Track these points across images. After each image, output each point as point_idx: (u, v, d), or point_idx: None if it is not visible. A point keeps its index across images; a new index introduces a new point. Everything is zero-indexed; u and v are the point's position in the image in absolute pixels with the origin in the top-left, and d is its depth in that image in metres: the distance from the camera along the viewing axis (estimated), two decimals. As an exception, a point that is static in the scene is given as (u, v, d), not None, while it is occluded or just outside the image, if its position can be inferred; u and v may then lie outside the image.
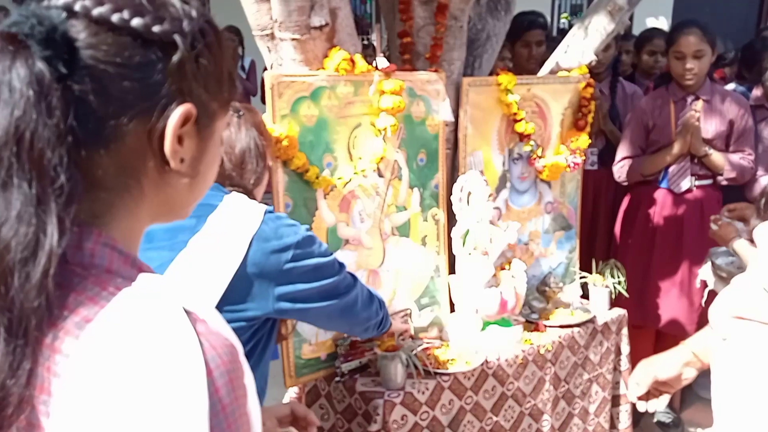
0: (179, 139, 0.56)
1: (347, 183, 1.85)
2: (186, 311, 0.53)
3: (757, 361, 1.14)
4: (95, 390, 0.48)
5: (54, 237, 0.49)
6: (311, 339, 1.85)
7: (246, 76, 5.52)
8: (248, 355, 1.21)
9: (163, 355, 0.49)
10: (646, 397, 1.41)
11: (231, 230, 1.18)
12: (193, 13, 0.56)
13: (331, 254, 1.31)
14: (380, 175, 1.94)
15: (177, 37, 0.54)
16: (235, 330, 1.19)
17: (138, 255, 0.61)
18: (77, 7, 0.52)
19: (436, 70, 2.02)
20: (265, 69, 1.81)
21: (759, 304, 1.13)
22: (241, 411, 0.54)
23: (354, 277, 1.36)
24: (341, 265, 1.32)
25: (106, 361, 0.49)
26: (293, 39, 1.71)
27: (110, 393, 0.48)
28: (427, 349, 1.94)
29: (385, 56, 1.97)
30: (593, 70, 2.56)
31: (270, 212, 1.23)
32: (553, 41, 2.75)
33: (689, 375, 1.38)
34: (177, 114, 0.55)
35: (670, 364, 1.38)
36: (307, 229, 1.27)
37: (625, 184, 2.81)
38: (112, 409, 0.48)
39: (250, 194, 1.30)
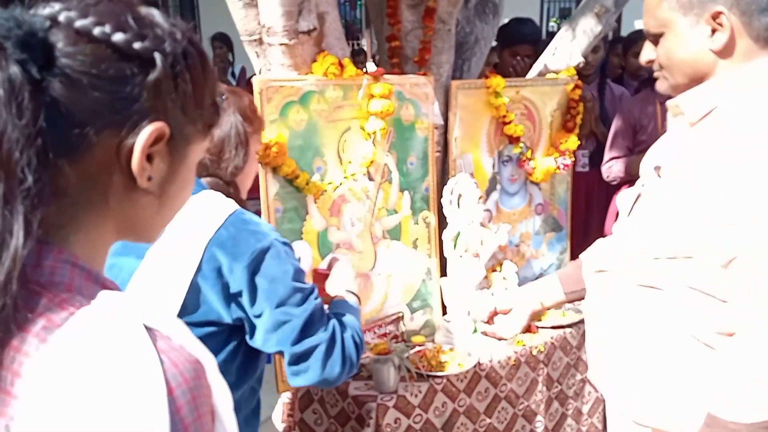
0: (149, 157, 0.56)
1: (337, 188, 1.85)
2: (147, 328, 0.51)
3: (610, 309, 1.26)
4: (52, 414, 0.47)
5: (20, 238, 0.48)
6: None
7: (236, 83, 5.52)
8: (231, 358, 1.19)
9: (120, 376, 0.48)
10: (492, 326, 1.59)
11: (189, 235, 1.12)
12: (178, 35, 0.57)
13: (300, 281, 1.17)
14: (370, 179, 1.94)
15: (157, 56, 0.55)
16: (208, 335, 1.16)
17: (104, 269, 0.60)
18: (61, 18, 0.52)
19: (424, 74, 2.03)
20: (254, 75, 1.81)
21: (615, 257, 1.24)
22: (206, 429, 0.53)
23: (322, 314, 1.19)
24: (309, 295, 1.17)
25: (62, 383, 0.48)
26: (281, 44, 1.72)
27: (66, 417, 0.47)
28: (419, 352, 1.94)
29: (374, 61, 1.98)
30: (582, 73, 2.58)
31: (237, 215, 1.16)
32: (542, 45, 2.77)
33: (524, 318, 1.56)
34: (147, 131, 0.55)
35: (511, 302, 1.57)
36: (283, 242, 1.17)
37: (614, 183, 2.83)
38: None
39: (230, 185, 1.26)
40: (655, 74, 1.22)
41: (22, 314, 0.50)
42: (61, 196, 0.53)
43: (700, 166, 1.10)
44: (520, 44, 2.80)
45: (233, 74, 5.55)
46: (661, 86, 1.22)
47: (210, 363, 0.56)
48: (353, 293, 1.39)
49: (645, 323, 1.18)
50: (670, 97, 1.22)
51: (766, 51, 1.11)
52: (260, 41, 1.76)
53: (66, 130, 0.52)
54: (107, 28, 0.52)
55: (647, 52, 1.22)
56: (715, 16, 1.09)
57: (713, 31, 1.10)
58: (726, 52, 1.11)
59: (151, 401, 0.48)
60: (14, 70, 0.48)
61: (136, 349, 0.50)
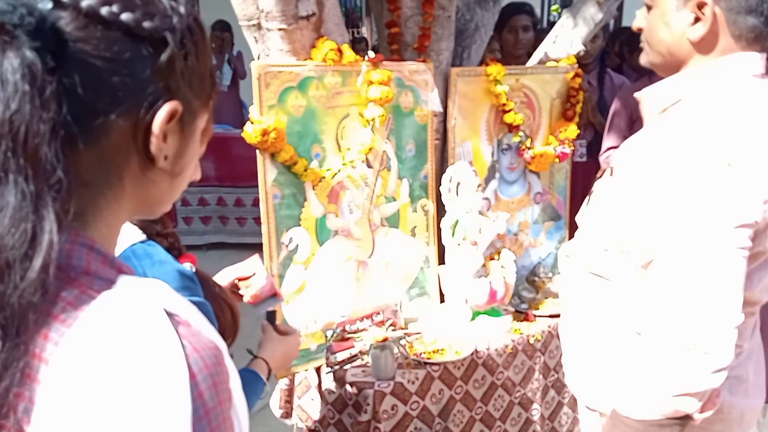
0: (164, 136, 0.56)
1: (336, 174, 1.84)
2: (168, 313, 0.52)
3: (570, 293, 1.29)
4: (76, 397, 0.47)
5: (53, 232, 0.48)
6: (301, 330, 1.84)
7: (232, 68, 5.56)
8: None
9: (144, 360, 0.48)
10: None
11: None
12: (182, 10, 0.56)
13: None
14: (369, 166, 1.93)
15: (167, 34, 0.54)
16: None
17: (114, 253, 0.60)
18: None
19: (424, 60, 2.02)
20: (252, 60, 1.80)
21: (577, 244, 1.26)
22: (225, 415, 0.53)
23: None
24: None
25: (86, 367, 0.48)
26: (280, 29, 1.70)
27: (91, 400, 0.47)
28: (417, 339, 1.94)
29: (373, 48, 1.97)
30: (581, 62, 2.56)
31: (139, 244, 1.10)
32: (543, 33, 2.76)
33: None
34: (164, 111, 0.55)
35: None
36: (183, 273, 1.10)
37: None
38: (92, 417, 0.47)
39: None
40: (641, 45, 1.18)
41: (49, 298, 0.49)
42: (80, 183, 0.53)
43: (640, 164, 1.08)
44: (515, 15, 2.79)
45: (229, 62, 5.57)
46: (642, 59, 1.18)
47: (225, 348, 0.56)
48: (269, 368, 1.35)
49: (593, 310, 1.21)
50: None
51: (745, 51, 1.06)
52: (259, 26, 1.75)
53: (85, 116, 0.51)
54: (114, 8, 0.51)
55: (639, 19, 1.17)
56: (701, 5, 1.04)
57: (696, 19, 1.05)
58: (703, 45, 1.06)
59: (173, 387, 0.48)
60: (32, 59, 0.47)
61: (159, 335, 0.49)
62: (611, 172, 1.20)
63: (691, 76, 1.08)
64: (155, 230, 1.17)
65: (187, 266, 1.18)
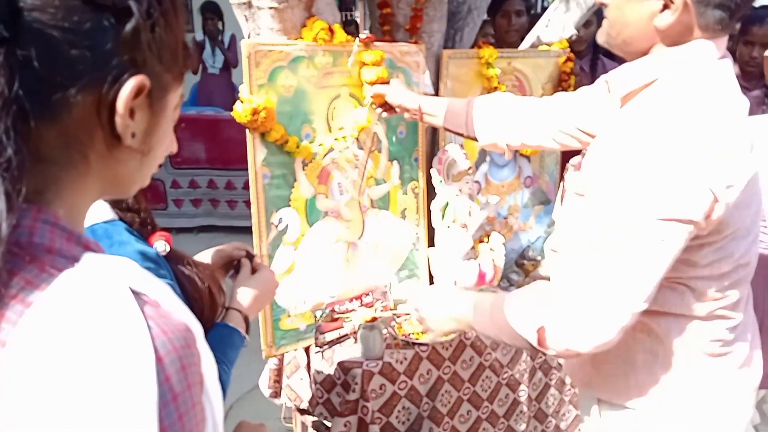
0: (131, 113, 0.53)
1: (328, 152, 1.84)
2: (135, 292, 0.49)
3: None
4: (34, 380, 0.45)
5: (2, 212, 0.46)
6: (290, 310, 1.85)
7: (228, 48, 5.51)
8: None
9: (106, 341, 0.46)
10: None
11: None
12: None
13: None
14: (360, 147, 1.93)
15: (132, 4, 0.51)
16: None
17: (84, 231, 0.58)
18: None
19: (415, 42, 2.01)
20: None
21: (558, 240, 1.29)
22: (195, 400, 0.51)
23: None
24: None
25: (45, 349, 0.45)
26: (271, 8, 1.69)
27: (50, 383, 0.45)
28: (406, 320, 1.96)
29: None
30: (574, 47, 2.56)
31: (101, 224, 1.05)
32: (537, 17, 2.75)
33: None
34: (129, 86, 0.52)
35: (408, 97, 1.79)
36: (145, 254, 1.04)
37: None
38: (51, 401, 0.45)
39: None
40: (604, 21, 1.13)
41: (2, 278, 0.47)
42: (40, 160, 0.51)
43: (606, 157, 1.06)
44: (508, 0, 2.78)
45: (222, 42, 5.52)
46: (600, 37, 1.15)
47: (198, 330, 0.54)
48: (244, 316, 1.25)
49: None
50: None
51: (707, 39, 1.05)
52: (249, 5, 1.73)
53: (41, 91, 0.49)
54: None
55: None
56: None
57: (665, 6, 1.02)
58: (667, 33, 1.03)
59: (138, 370, 0.46)
60: None
61: (123, 315, 0.47)
62: (578, 166, 1.21)
63: (659, 62, 1.06)
64: (125, 204, 1.10)
65: (160, 245, 1.11)
